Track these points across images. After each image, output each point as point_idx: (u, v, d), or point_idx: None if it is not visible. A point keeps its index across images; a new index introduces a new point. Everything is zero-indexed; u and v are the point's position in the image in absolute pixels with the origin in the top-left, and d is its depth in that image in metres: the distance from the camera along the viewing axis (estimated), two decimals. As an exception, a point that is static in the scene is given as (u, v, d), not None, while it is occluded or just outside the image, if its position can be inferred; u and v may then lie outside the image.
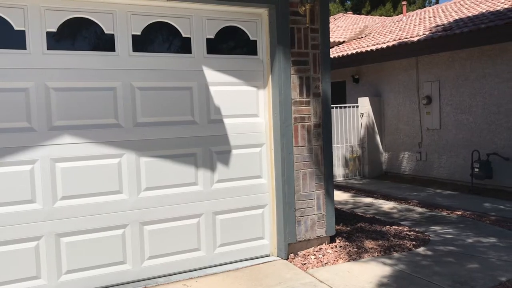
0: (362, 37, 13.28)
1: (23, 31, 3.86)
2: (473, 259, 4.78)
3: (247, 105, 4.83)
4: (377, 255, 4.89)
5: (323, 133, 5.04)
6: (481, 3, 11.16)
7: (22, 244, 3.86)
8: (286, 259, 4.80)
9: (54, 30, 3.97)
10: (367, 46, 11.36)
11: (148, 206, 4.35)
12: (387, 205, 7.83)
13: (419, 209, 7.43)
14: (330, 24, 5.18)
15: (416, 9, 21.79)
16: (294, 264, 4.67)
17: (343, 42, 13.66)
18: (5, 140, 3.79)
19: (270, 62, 4.83)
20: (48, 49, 3.94)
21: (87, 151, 4.10)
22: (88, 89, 4.10)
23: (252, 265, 4.67)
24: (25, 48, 3.86)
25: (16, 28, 3.83)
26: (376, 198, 8.58)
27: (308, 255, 4.85)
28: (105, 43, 4.20)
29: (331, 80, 5.12)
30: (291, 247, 4.87)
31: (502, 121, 8.70)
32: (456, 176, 9.65)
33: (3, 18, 3.79)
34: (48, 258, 3.96)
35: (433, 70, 10.03)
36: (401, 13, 15.22)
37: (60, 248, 4.00)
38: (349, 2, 28.33)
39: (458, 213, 7.05)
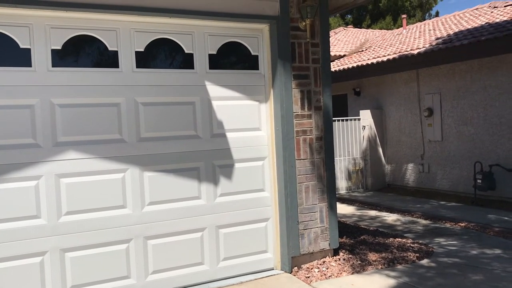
0: (362, 51, 13.38)
1: (29, 49, 3.93)
2: (478, 270, 4.77)
3: (249, 119, 4.88)
4: (381, 268, 4.89)
5: (325, 145, 5.07)
6: (480, 15, 11.26)
7: (27, 259, 3.88)
8: (290, 273, 4.80)
9: (59, 47, 4.04)
10: (368, 59, 11.45)
11: (151, 221, 4.37)
12: (390, 218, 7.82)
13: (423, 221, 7.42)
14: (330, 38, 5.25)
15: (416, 22, 21.96)
16: (298, 278, 4.66)
17: (344, 55, 13.76)
18: (11, 156, 3.84)
19: (272, 77, 4.88)
20: (53, 66, 4.01)
21: (91, 166, 4.14)
22: (93, 105, 4.16)
23: (256, 279, 4.66)
24: (30, 66, 3.93)
25: (21, 46, 3.91)
26: (380, 210, 8.57)
27: (312, 268, 4.85)
28: (109, 59, 4.27)
29: (332, 93, 5.17)
30: (294, 260, 4.87)
31: (504, 132, 8.71)
32: (459, 187, 9.64)
33: (9, 37, 3.87)
34: (53, 273, 3.97)
35: (433, 83, 10.09)
36: (401, 26, 15.33)
37: (65, 263, 4.02)
38: (349, 16, 28.58)
39: (462, 224, 7.04)
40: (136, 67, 4.35)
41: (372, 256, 5.21)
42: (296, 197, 4.88)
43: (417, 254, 5.32)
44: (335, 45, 14.54)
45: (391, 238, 6.09)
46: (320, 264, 4.93)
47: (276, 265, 4.94)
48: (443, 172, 10.00)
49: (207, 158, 4.65)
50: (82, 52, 4.22)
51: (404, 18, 15.14)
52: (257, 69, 4.94)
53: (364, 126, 11.17)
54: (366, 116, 11.21)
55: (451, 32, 10.53)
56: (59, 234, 4.00)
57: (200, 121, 4.63)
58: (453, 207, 8.63)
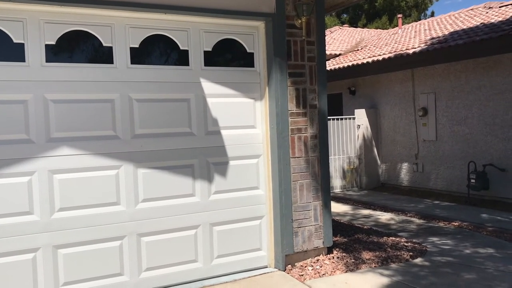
0: (358, 50, 13.40)
1: (22, 44, 3.90)
2: (471, 269, 4.79)
3: (244, 116, 4.87)
4: (374, 266, 4.89)
5: (319, 144, 5.07)
6: (475, 16, 11.30)
7: (19, 256, 3.85)
8: (284, 271, 4.79)
9: (53, 42, 4.01)
10: (363, 58, 11.46)
11: (145, 218, 4.36)
12: (385, 217, 7.84)
13: (417, 220, 7.44)
14: (326, 37, 5.25)
15: (412, 22, 22.01)
16: (292, 276, 4.66)
17: (340, 54, 13.77)
18: (4, 152, 3.80)
19: (267, 74, 4.87)
20: (47, 61, 3.98)
21: (85, 162, 4.11)
22: (87, 101, 4.13)
23: (249, 277, 4.66)
24: (24, 61, 3.90)
25: (15, 40, 3.87)
26: (374, 209, 8.58)
27: (305, 266, 4.85)
28: (103, 55, 4.24)
29: (327, 92, 5.16)
30: (288, 258, 4.87)
31: (498, 132, 8.75)
32: (453, 187, 9.68)
33: (2, 31, 3.83)
34: (46, 270, 3.95)
35: (428, 82, 10.11)
36: (397, 26, 15.37)
37: (58, 260, 3.99)
38: (345, 15, 28.62)
39: (456, 224, 7.07)
40: (131, 63, 4.32)
41: (366, 255, 5.21)
42: (291, 195, 4.87)
43: (411, 253, 5.34)
44: (330, 44, 14.55)
45: (385, 237, 6.11)
46: (314, 262, 4.93)
47: (270, 263, 4.94)
48: (437, 172, 10.04)
49: (201, 155, 4.64)
50: (77, 47, 4.19)
51: (399, 17, 15.16)
52: (253, 66, 4.93)
53: (359, 125, 11.19)
54: (361, 115, 11.23)
55: (446, 32, 10.56)
56: (52, 231, 3.97)
57: (194, 118, 4.62)
58: (447, 206, 8.66)
